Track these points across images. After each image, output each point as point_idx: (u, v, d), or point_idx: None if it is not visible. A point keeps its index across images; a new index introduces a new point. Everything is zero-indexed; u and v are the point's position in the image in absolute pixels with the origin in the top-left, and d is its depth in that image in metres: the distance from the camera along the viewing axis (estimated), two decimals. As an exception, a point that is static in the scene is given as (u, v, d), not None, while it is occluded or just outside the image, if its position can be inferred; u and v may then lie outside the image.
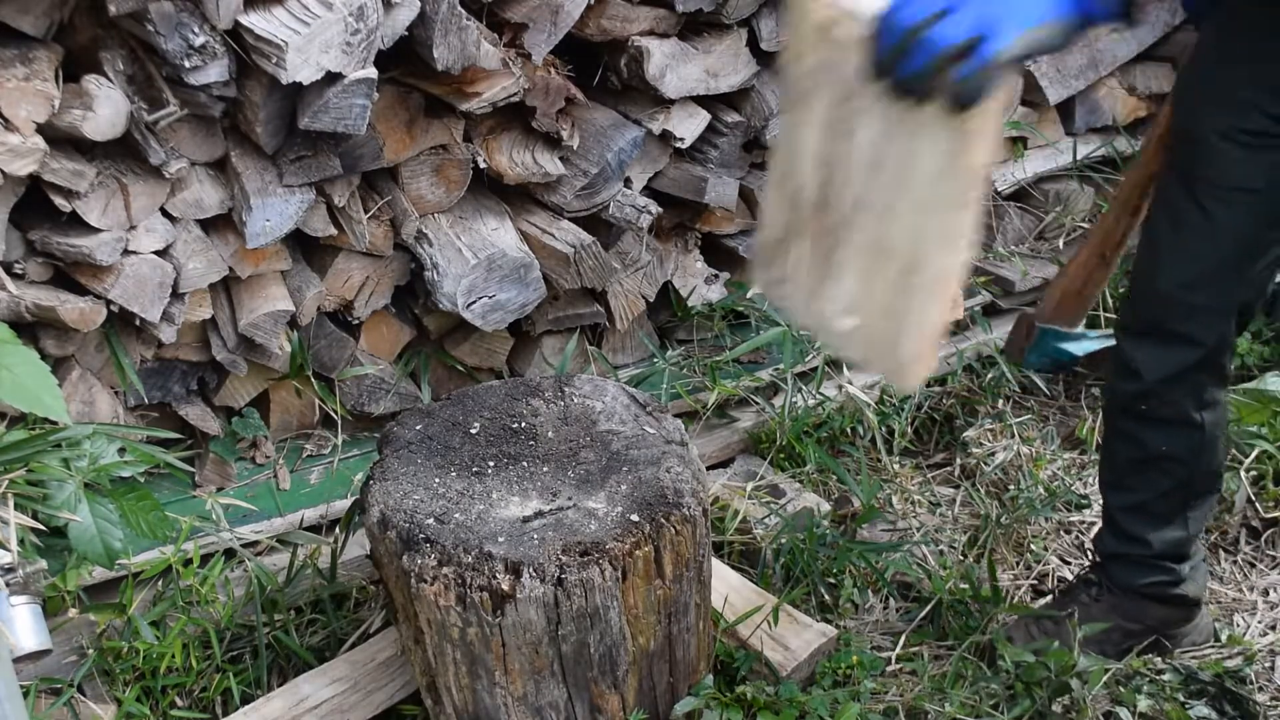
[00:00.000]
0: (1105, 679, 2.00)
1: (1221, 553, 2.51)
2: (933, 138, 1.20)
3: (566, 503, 1.68)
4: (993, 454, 2.71)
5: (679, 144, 2.48)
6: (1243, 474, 2.56)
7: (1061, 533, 2.55)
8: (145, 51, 1.89)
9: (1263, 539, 2.51)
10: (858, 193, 1.27)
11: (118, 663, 1.97)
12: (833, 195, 1.29)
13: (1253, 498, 2.55)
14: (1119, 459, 2.09)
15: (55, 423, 1.60)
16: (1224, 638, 2.24)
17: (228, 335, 2.21)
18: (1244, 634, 2.26)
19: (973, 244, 1.25)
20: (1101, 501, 2.19)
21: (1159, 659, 2.14)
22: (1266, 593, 2.40)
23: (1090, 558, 2.34)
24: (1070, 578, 2.38)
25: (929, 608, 2.27)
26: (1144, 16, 2.12)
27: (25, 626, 1.64)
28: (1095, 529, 2.55)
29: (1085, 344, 2.43)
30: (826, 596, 2.28)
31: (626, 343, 2.73)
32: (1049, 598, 2.31)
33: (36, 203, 1.92)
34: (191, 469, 2.27)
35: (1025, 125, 3.01)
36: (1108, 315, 2.88)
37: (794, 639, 2.03)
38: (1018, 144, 3.09)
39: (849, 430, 2.66)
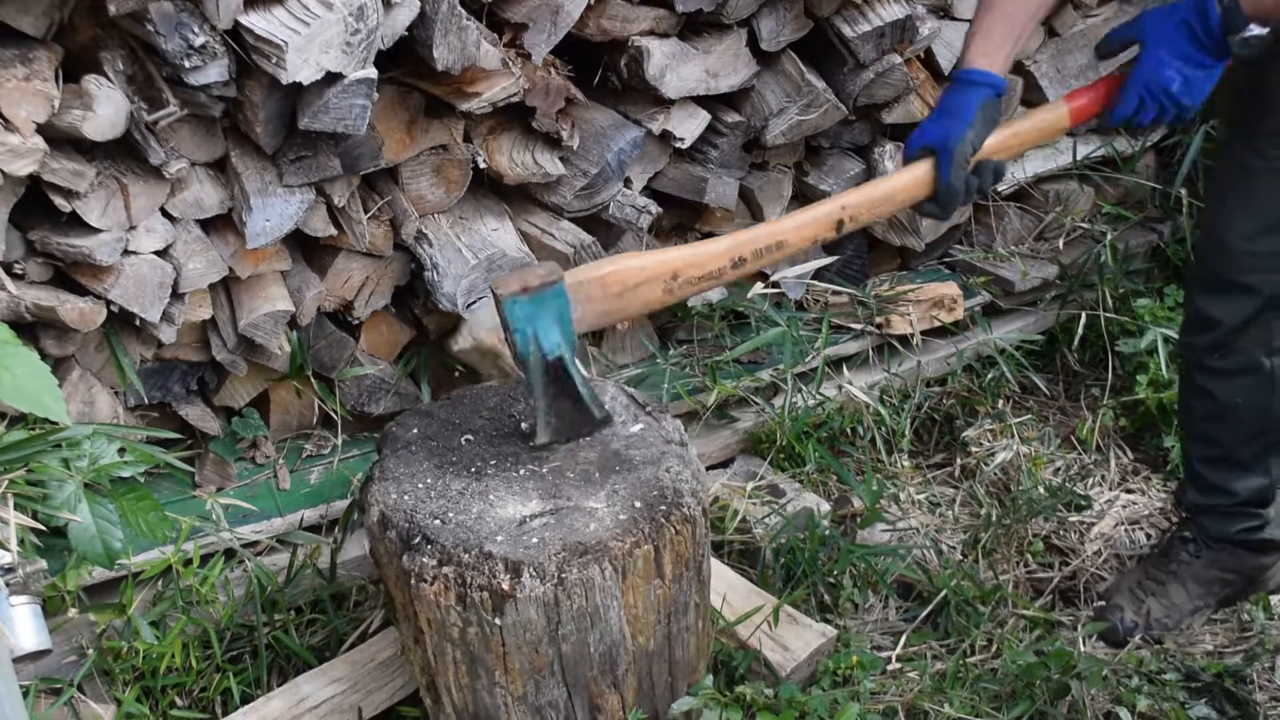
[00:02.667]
0: (1104, 679, 2.00)
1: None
2: None
3: (566, 502, 1.68)
4: (993, 454, 2.71)
5: (679, 144, 2.48)
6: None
7: (1061, 532, 2.55)
8: (145, 51, 1.89)
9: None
10: None
11: (118, 663, 1.97)
12: None
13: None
14: (1196, 415, 2.18)
15: (55, 423, 1.60)
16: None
17: (228, 335, 2.21)
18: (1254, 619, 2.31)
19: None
20: (1183, 457, 2.28)
21: (1159, 658, 2.14)
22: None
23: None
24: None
25: (929, 608, 2.27)
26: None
27: (25, 626, 1.64)
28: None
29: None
30: (826, 596, 2.27)
31: (626, 342, 2.73)
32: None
33: (36, 203, 1.92)
34: (191, 469, 2.27)
35: (1025, 125, 3.00)
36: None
37: (794, 639, 2.03)
38: (1018, 144, 3.09)
39: (849, 430, 2.66)
